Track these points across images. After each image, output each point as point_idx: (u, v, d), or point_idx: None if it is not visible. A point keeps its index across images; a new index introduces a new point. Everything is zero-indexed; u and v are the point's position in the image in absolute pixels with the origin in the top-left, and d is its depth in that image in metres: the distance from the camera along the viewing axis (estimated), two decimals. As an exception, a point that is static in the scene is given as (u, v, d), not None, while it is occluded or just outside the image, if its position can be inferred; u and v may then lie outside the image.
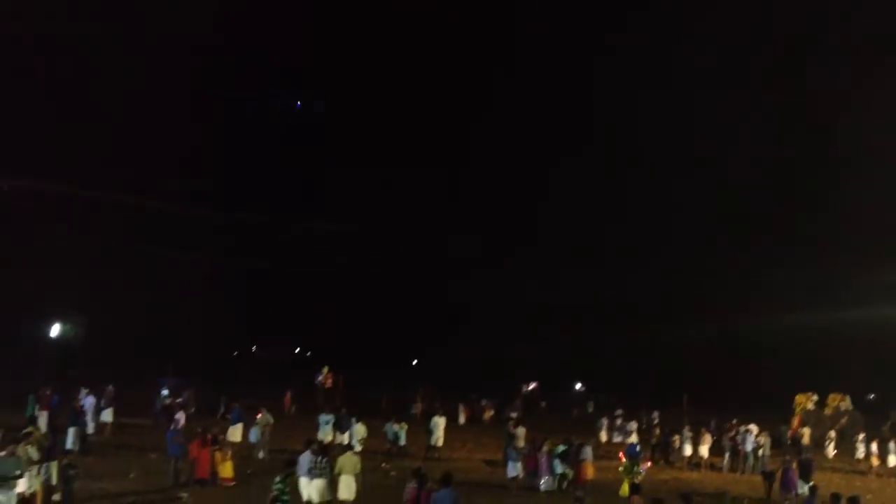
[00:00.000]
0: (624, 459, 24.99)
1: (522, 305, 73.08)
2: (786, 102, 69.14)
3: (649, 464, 25.09)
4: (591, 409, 50.73)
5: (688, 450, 31.28)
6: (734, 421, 33.62)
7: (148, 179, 62.98)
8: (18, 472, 15.93)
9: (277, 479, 16.04)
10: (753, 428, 31.90)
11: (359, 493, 18.51)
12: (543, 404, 49.80)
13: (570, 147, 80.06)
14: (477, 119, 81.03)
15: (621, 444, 32.99)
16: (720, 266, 63.55)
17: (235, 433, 27.22)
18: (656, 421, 34.33)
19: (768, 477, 25.73)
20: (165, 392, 35.93)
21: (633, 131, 79.28)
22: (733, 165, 70.42)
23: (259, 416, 27.63)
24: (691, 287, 66.35)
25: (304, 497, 16.75)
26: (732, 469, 30.55)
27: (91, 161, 62.05)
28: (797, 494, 23.93)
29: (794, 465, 25.10)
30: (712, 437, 32.11)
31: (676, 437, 32.16)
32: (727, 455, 31.22)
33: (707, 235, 71.34)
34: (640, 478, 23.00)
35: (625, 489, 21.47)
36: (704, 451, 31.09)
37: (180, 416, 27.73)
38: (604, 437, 33.77)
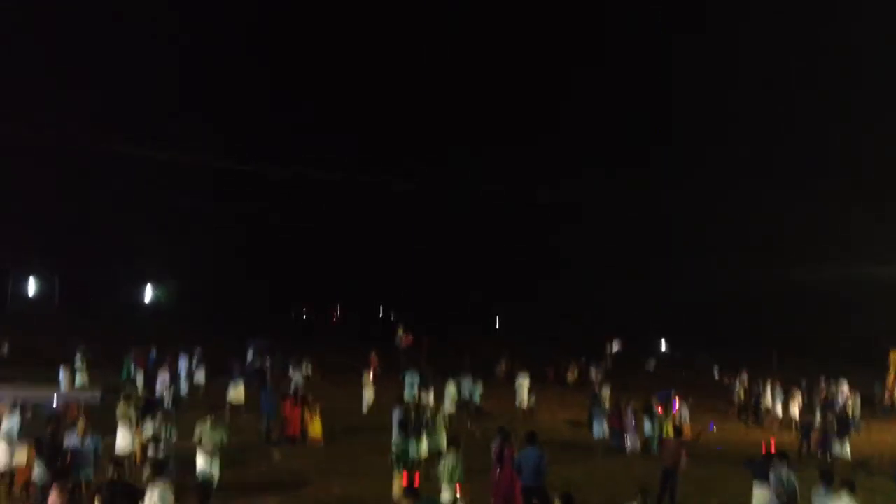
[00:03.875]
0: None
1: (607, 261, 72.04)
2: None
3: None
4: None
5: (778, 410, 30.64)
6: (825, 379, 32.72)
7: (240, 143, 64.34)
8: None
9: (396, 439, 16.43)
10: (844, 387, 31.07)
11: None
12: (650, 367, 49.43)
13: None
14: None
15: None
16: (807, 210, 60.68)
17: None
18: (745, 380, 33.61)
19: (805, 433, 25.44)
20: (252, 354, 36.68)
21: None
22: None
23: (364, 374, 30.16)
24: (774, 234, 64.07)
25: (412, 454, 17.21)
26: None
27: (177, 126, 63.51)
28: (832, 453, 23.83)
29: (833, 422, 24.76)
30: (803, 396, 31.40)
31: (766, 397, 31.62)
32: (818, 414, 30.56)
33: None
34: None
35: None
36: (795, 410, 30.36)
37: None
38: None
